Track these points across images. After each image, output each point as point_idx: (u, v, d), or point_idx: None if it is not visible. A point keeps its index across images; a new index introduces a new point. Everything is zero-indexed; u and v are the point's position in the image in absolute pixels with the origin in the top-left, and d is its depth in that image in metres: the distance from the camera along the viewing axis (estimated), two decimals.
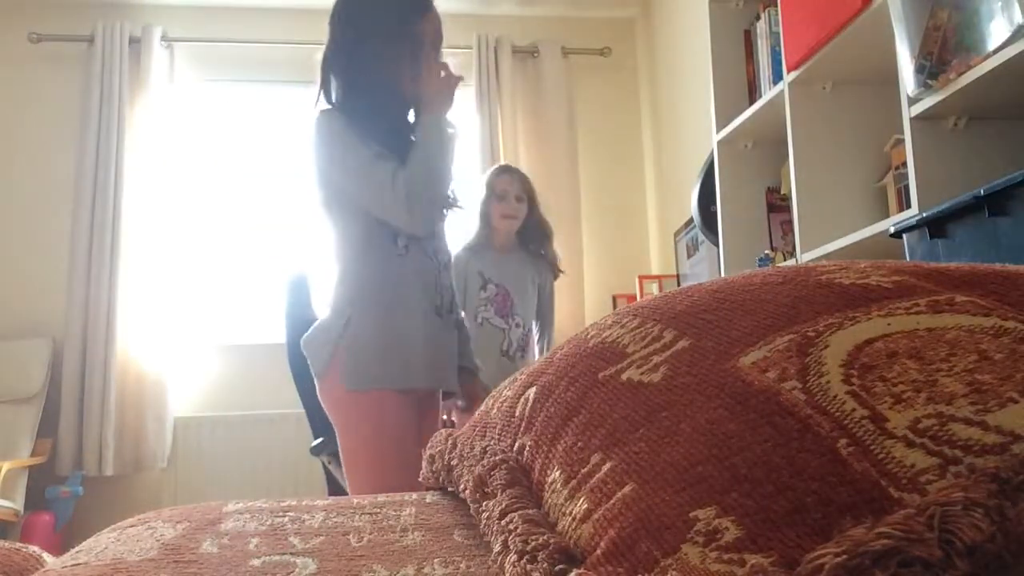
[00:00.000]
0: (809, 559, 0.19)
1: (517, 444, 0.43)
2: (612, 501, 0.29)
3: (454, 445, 0.63)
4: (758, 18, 2.57)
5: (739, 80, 2.69)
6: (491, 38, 4.10)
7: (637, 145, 4.32)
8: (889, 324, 0.32)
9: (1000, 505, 0.18)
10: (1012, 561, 0.19)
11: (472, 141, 3.96)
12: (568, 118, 4.12)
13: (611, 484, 0.30)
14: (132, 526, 0.58)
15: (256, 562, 0.40)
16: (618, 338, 0.42)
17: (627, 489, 0.29)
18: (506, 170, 2.93)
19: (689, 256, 3.51)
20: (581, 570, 0.26)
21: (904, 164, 1.82)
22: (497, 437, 0.49)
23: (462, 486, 0.48)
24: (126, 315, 3.73)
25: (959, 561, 0.18)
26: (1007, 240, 1.33)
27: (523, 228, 2.83)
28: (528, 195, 2.83)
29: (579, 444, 0.35)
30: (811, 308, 0.35)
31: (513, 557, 0.31)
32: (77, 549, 0.61)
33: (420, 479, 0.75)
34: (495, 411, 0.54)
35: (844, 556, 0.18)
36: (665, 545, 0.25)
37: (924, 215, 1.52)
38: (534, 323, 2.89)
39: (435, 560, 0.39)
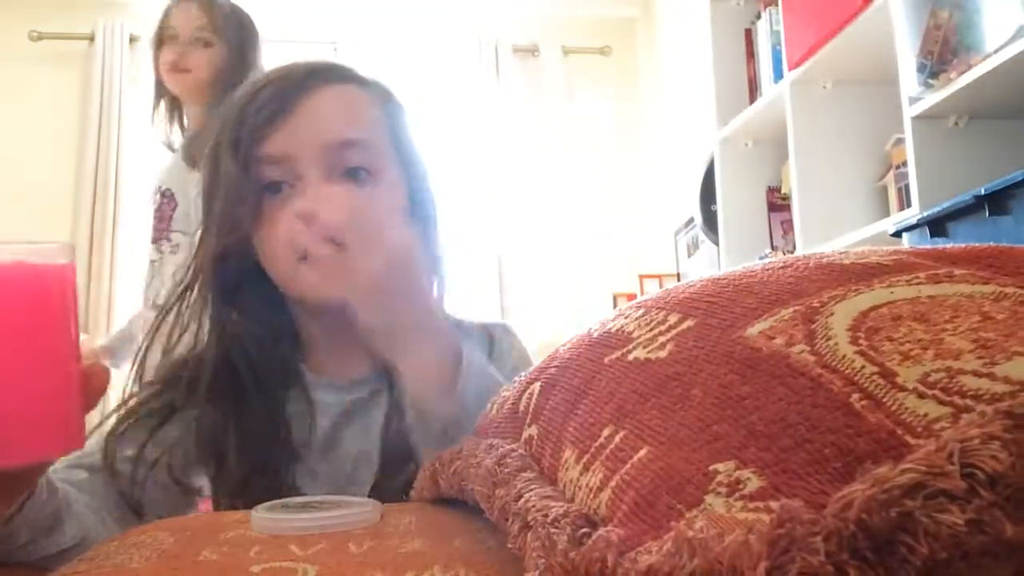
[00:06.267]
0: (837, 497, 0.20)
1: (524, 435, 0.43)
2: (628, 466, 0.30)
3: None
4: (759, 17, 2.57)
5: (739, 79, 2.70)
6: (491, 38, 4.11)
7: (637, 145, 4.32)
8: (892, 292, 0.33)
9: (1016, 439, 0.19)
10: None
11: (472, 141, 3.96)
12: (568, 118, 4.13)
13: (626, 450, 0.31)
14: (132, 533, 0.58)
15: (256, 569, 0.40)
16: (623, 326, 0.43)
17: (642, 452, 0.29)
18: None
19: (689, 255, 3.52)
20: (608, 527, 0.26)
21: (904, 163, 1.82)
22: (502, 433, 0.49)
23: (468, 482, 0.47)
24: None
25: (983, 491, 0.19)
26: (1007, 240, 1.33)
27: (222, 91, 1.64)
28: (227, 35, 1.72)
29: (589, 421, 0.36)
30: (814, 284, 0.36)
31: (537, 530, 0.31)
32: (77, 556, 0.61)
33: (417, 484, 0.73)
34: (496, 411, 0.54)
35: (874, 489, 0.19)
36: (688, 498, 0.25)
37: (924, 215, 1.53)
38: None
39: (435, 567, 0.38)
